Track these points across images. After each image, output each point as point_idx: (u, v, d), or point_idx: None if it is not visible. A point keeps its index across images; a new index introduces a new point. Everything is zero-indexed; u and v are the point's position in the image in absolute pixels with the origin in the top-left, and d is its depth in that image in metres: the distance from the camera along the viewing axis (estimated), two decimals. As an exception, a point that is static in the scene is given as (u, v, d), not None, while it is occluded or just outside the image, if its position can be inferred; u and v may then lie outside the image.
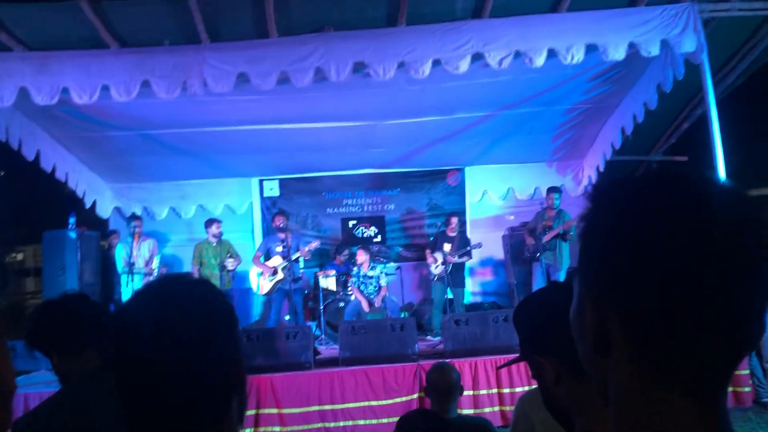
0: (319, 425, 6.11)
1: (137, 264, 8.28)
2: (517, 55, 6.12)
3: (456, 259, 8.74)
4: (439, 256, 8.83)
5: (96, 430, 1.77)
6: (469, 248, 8.83)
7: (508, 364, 1.59)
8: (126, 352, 0.97)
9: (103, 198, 9.90)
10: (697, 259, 0.60)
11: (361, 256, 8.68)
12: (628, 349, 0.66)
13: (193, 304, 1.00)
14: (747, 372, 6.18)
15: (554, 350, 1.16)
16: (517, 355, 1.36)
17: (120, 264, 8.44)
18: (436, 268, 8.80)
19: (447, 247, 8.81)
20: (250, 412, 5.97)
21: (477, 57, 6.17)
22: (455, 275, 8.73)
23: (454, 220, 8.99)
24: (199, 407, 0.97)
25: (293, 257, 8.43)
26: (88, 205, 9.42)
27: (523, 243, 8.95)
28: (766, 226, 0.63)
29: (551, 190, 8.60)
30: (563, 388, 1.17)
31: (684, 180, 0.66)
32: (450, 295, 8.80)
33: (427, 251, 9.07)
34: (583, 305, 0.71)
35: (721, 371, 0.65)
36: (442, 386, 2.87)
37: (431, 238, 9.50)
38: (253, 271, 8.72)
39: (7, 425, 0.48)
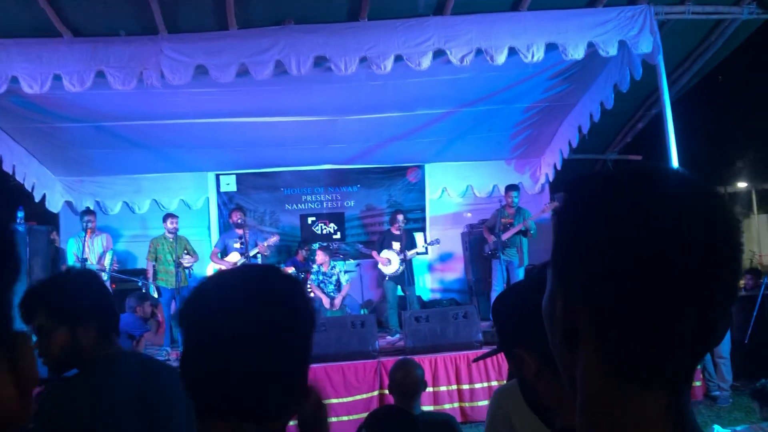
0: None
1: (90, 260, 8.06)
2: (479, 52, 6.15)
3: (414, 253, 8.76)
4: (391, 254, 8.80)
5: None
6: (425, 245, 8.83)
7: (484, 357, 1.57)
8: (202, 336, 0.99)
9: (54, 191, 9.59)
10: (665, 255, 0.60)
11: (320, 257, 8.62)
12: (595, 343, 0.65)
13: (279, 295, 1.03)
14: (699, 367, 6.35)
15: (534, 343, 1.13)
16: (494, 347, 1.34)
17: (71, 259, 8.20)
18: (388, 267, 8.77)
19: (396, 245, 8.80)
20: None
21: (439, 53, 6.19)
22: (407, 274, 8.73)
23: (399, 218, 8.94)
24: (266, 401, 0.98)
25: (251, 253, 8.31)
26: (37, 199, 9.10)
27: (482, 240, 9.01)
28: (736, 223, 0.64)
29: (510, 188, 8.66)
30: (543, 383, 1.15)
31: (655, 176, 0.66)
32: (400, 293, 8.81)
33: (374, 252, 9.01)
34: (554, 298, 0.71)
35: (686, 366, 0.65)
36: (407, 383, 2.86)
37: (377, 238, 9.48)
38: (210, 268, 8.57)
39: (30, 415, 0.45)
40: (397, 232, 8.89)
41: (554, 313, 0.70)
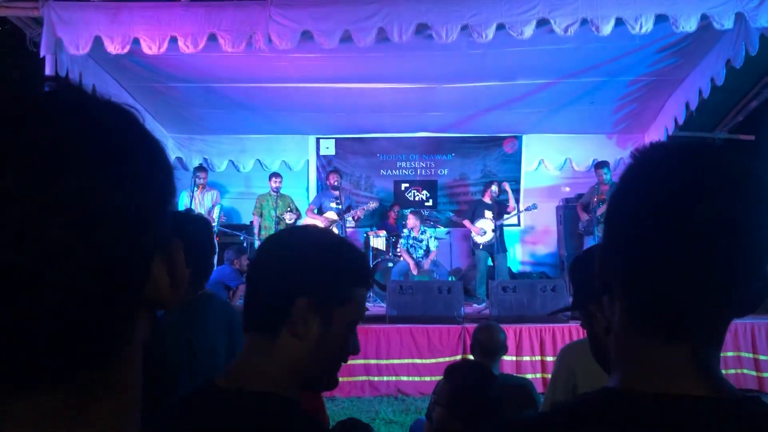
0: (364, 378, 6.30)
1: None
2: (584, 22, 6.00)
3: (510, 215, 8.76)
4: (485, 223, 8.82)
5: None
6: (521, 210, 8.79)
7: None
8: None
9: (166, 147, 10.15)
10: (693, 224, 0.67)
11: (411, 221, 8.77)
12: (623, 295, 0.75)
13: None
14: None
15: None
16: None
17: (181, 211, 8.77)
18: (483, 237, 8.80)
19: (488, 214, 8.80)
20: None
21: (542, 23, 6.08)
22: (498, 241, 8.73)
23: (494, 188, 8.89)
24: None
25: (347, 216, 8.60)
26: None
27: (576, 216, 8.88)
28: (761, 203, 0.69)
29: (600, 165, 8.51)
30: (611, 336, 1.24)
31: (703, 152, 0.72)
32: (490, 263, 8.83)
33: (466, 221, 9.05)
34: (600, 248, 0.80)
35: (708, 326, 0.72)
36: (489, 344, 2.97)
37: (467, 207, 9.50)
38: (305, 222, 8.93)
39: (177, 302, 0.60)
40: (489, 201, 8.90)
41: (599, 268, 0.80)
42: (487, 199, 8.94)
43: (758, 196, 0.69)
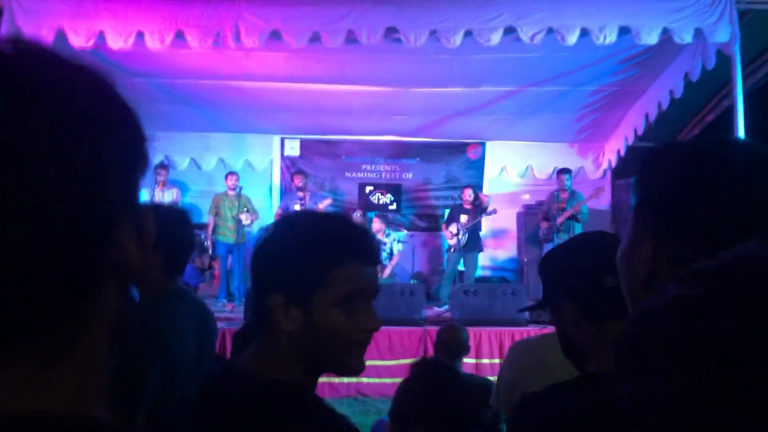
0: (324, 379, 6.25)
1: (157, 211, 8.46)
2: (550, 31, 6.12)
3: (469, 220, 8.87)
4: (454, 227, 8.92)
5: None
6: (484, 213, 8.97)
7: (530, 308, 1.72)
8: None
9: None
10: (736, 211, 0.74)
11: (376, 224, 8.82)
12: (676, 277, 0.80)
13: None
14: None
15: (574, 294, 1.27)
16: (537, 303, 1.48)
17: (140, 209, 8.62)
18: (452, 239, 8.90)
19: (464, 218, 8.90)
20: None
21: (509, 30, 6.17)
22: (471, 239, 8.82)
23: (468, 192, 9.06)
24: None
25: (310, 216, 8.58)
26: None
27: (536, 223, 9.04)
28: None
29: (562, 171, 8.74)
30: (581, 331, 1.28)
31: (734, 145, 0.84)
32: (462, 267, 8.91)
33: (443, 225, 9.16)
34: (639, 242, 0.83)
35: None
36: (452, 343, 3.01)
37: (447, 211, 9.59)
38: (272, 228, 8.87)
39: (143, 271, 0.58)
40: (468, 206, 8.99)
41: (635, 258, 0.83)
42: (466, 205, 9.04)
43: None
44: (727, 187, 0.75)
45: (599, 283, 1.21)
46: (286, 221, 1.23)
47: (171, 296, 2.13)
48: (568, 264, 1.33)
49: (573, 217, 8.32)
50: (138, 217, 0.53)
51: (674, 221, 0.79)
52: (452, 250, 8.93)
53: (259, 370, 1.10)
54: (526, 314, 6.64)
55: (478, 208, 9.04)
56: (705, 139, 0.86)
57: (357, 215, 9.67)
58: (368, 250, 1.18)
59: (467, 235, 8.74)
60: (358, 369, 1.18)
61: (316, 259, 1.11)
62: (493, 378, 6.12)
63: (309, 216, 1.30)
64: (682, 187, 0.79)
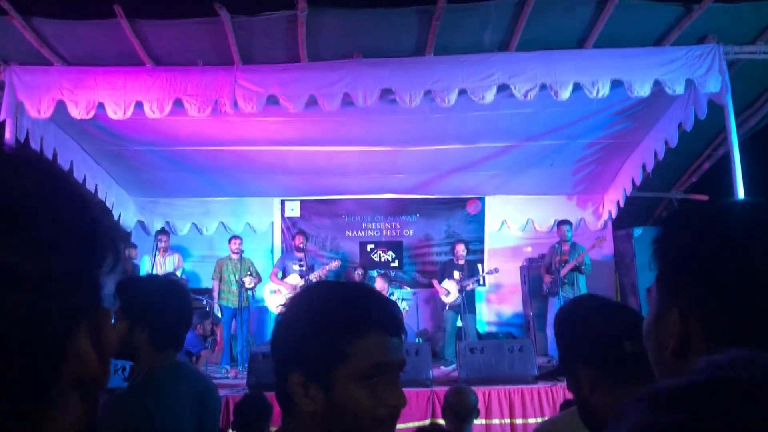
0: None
1: (159, 278, 8.41)
2: (543, 87, 6.21)
3: (471, 285, 8.79)
4: (450, 284, 8.84)
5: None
6: (483, 273, 8.86)
7: (548, 375, 1.68)
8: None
9: (127, 211, 10.04)
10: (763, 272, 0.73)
11: (379, 283, 8.74)
12: (706, 347, 0.76)
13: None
14: None
15: (592, 360, 1.24)
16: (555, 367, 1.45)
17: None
18: (448, 297, 8.82)
19: (457, 274, 8.84)
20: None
21: (502, 88, 6.27)
22: (467, 303, 8.74)
23: (460, 247, 9.03)
24: None
25: (311, 277, 8.51)
26: (115, 218, 9.57)
27: (540, 276, 8.98)
28: None
29: (562, 223, 8.76)
30: (598, 396, 1.24)
31: (754, 209, 0.82)
32: (460, 324, 8.81)
33: (434, 281, 9.11)
34: (666, 314, 0.81)
35: None
36: (461, 408, 2.93)
37: (439, 267, 9.56)
38: (267, 289, 8.82)
39: (107, 381, 0.55)
40: (460, 262, 8.95)
41: (664, 329, 0.81)
42: (458, 261, 8.98)
43: None
44: (749, 256, 0.73)
45: (618, 348, 1.20)
46: (304, 294, 1.18)
47: (163, 372, 2.04)
48: (585, 332, 1.32)
49: (576, 269, 8.27)
50: (95, 319, 0.50)
51: (700, 293, 0.77)
52: (447, 307, 8.84)
53: None
54: (535, 371, 6.52)
55: (470, 264, 9.00)
56: (719, 206, 0.83)
57: (358, 274, 9.62)
58: (392, 319, 1.11)
59: (463, 300, 8.67)
60: None
61: (333, 333, 1.05)
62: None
63: (328, 287, 1.25)
64: (706, 260, 0.77)
